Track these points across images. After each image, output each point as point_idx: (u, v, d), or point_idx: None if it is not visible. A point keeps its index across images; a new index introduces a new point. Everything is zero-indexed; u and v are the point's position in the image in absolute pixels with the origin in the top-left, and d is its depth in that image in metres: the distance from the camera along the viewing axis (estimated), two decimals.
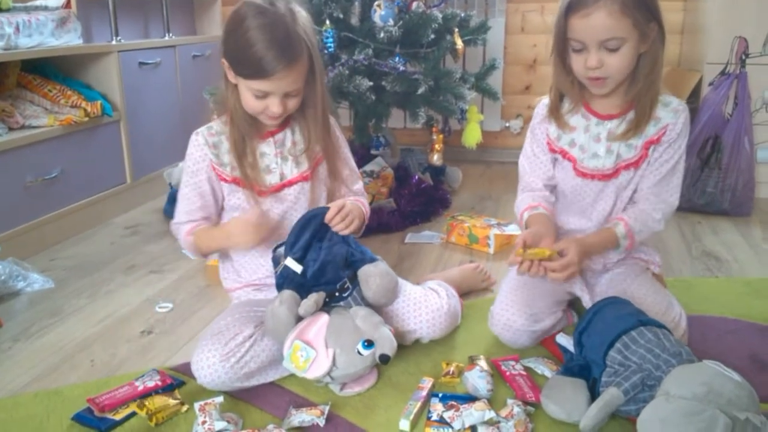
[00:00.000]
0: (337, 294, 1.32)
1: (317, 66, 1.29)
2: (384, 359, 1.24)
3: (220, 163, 1.36)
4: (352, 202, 1.37)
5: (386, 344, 1.25)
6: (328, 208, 1.33)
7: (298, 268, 1.29)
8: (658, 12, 1.27)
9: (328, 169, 1.43)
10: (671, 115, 1.34)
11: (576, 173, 1.41)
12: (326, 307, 1.31)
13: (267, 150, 1.38)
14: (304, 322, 1.26)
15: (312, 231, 1.32)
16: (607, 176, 1.39)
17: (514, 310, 1.37)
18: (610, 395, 1.09)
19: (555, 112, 1.41)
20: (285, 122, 1.37)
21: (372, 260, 1.35)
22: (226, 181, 1.37)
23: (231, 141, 1.34)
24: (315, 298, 1.27)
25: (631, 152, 1.37)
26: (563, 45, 1.33)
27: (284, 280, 1.31)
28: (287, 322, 1.25)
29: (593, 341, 1.20)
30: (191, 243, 1.40)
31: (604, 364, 1.16)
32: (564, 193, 1.46)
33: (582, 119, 1.40)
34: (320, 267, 1.29)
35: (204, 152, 1.35)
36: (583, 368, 1.21)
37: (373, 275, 1.32)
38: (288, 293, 1.28)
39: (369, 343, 1.24)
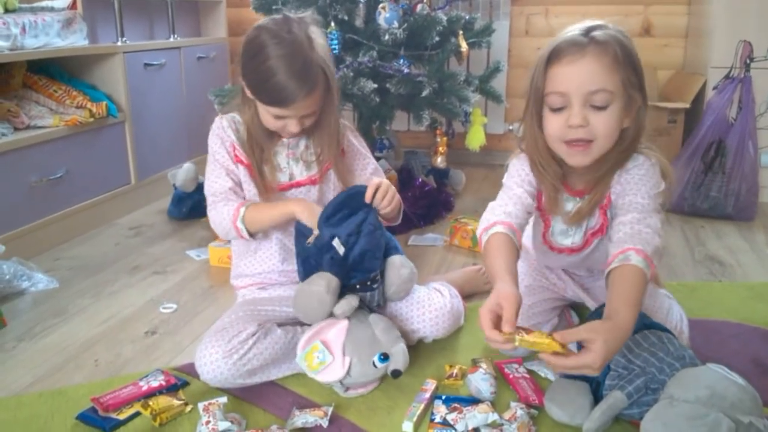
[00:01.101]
0: (368, 284, 1.32)
1: (333, 85, 1.31)
2: (396, 374, 1.25)
3: (241, 145, 1.38)
4: (387, 182, 1.35)
5: (400, 360, 1.26)
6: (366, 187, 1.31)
7: (341, 249, 1.26)
8: (644, 84, 1.13)
9: (336, 177, 1.43)
10: (618, 176, 1.20)
11: (543, 241, 1.33)
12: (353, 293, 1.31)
13: (280, 149, 1.41)
14: (327, 320, 1.27)
15: (351, 208, 1.29)
16: (577, 250, 1.31)
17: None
18: (614, 398, 1.09)
19: (554, 208, 1.25)
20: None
21: (401, 254, 1.39)
22: (242, 163, 1.38)
23: (248, 144, 1.36)
24: (351, 301, 1.27)
25: (593, 221, 1.27)
26: (541, 105, 1.15)
27: (323, 254, 1.27)
28: (326, 311, 1.26)
29: None
30: (240, 216, 1.32)
31: (608, 368, 1.15)
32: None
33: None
34: (361, 254, 1.28)
35: (228, 133, 1.38)
36: None
37: (405, 265, 1.35)
38: (335, 282, 1.26)
39: (385, 357, 1.25)
